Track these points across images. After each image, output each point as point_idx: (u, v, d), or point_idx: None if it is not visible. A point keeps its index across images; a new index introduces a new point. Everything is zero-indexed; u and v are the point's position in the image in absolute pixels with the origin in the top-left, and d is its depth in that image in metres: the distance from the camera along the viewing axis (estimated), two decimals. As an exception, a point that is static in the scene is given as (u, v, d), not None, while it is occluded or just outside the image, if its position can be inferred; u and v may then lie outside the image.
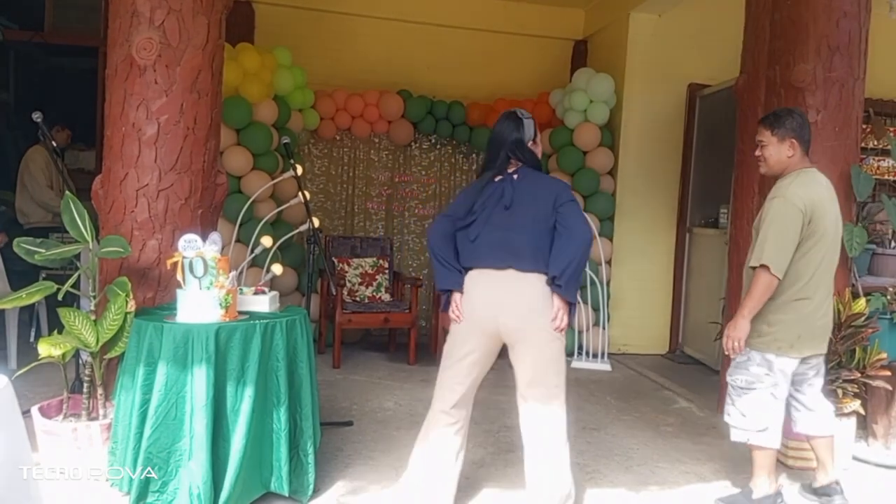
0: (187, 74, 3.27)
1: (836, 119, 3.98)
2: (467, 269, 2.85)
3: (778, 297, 3.03)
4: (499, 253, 2.77)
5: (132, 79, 3.22)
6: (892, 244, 4.54)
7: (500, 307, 2.76)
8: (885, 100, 6.33)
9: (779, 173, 3.19)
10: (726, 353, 3.10)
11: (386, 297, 5.73)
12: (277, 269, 4.57)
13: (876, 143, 6.26)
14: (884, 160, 6.29)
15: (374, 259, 5.82)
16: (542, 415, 2.85)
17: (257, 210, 5.37)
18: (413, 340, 5.46)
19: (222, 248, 3.05)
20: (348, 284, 5.64)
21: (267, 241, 4.65)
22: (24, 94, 7.26)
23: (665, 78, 6.21)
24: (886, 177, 6.25)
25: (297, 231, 5.13)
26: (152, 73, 3.21)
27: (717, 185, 5.95)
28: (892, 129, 6.49)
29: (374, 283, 5.74)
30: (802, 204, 2.98)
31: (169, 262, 2.90)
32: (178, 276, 2.83)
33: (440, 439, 2.89)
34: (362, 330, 6.01)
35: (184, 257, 2.82)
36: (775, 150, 3.16)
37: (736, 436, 3.15)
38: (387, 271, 5.84)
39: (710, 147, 6.14)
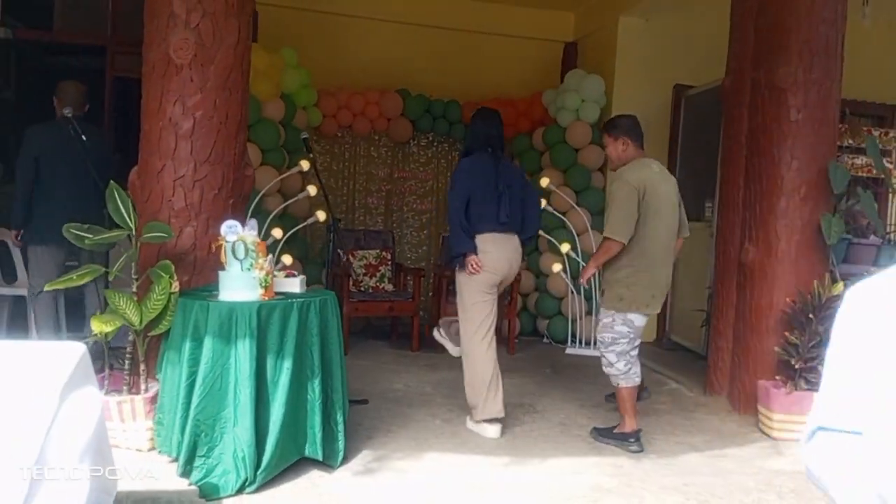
0: (220, 73, 3.51)
1: (815, 118, 4.30)
2: (476, 234, 3.76)
3: (631, 266, 3.74)
4: (507, 221, 3.80)
5: (169, 76, 3.45)
6: (868, 235, 4.87)
7: (509, 261, 3.84)
8: (860, 101, 6.70)
9: (619, 166, 3.92)
10: (582, 284, 4.11)
11: (389, 287, 5.99)
12: (287, 259, 4.82)
13: (851, 141, 6.63)
14: (858, 157, 6.66)
15: (378, 251, 6.07)
16: None
17: (265, 204, 5.59)
18: (416, 328, 5.72)
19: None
20: (353, 275, 5.88)
21: (277, 232, 4.91)
22: (25, 92, 7.38)
23: (652, 79, 6.52)
24: (860, 173, 6.62)
25: (307, 223, 5.39)
26: (188, 71, 3.44)
27: (701, 180, 6.26)
28: (866, 128, 6.87)
29: (378, 274, 5.99)
30: (635, 182, 3.70)
31: (213, 245, 3.13)
32: (222, 259, 3.06)
33: (491, 352, 3.82)
34: (364, 319, 6.25)
35: (227, 241, 3.05)
36: (613, 148, 3.93)
37: (613, 381, 3.85)
38: (389, 263, 6.10)
39: (695, 144, 6.46)
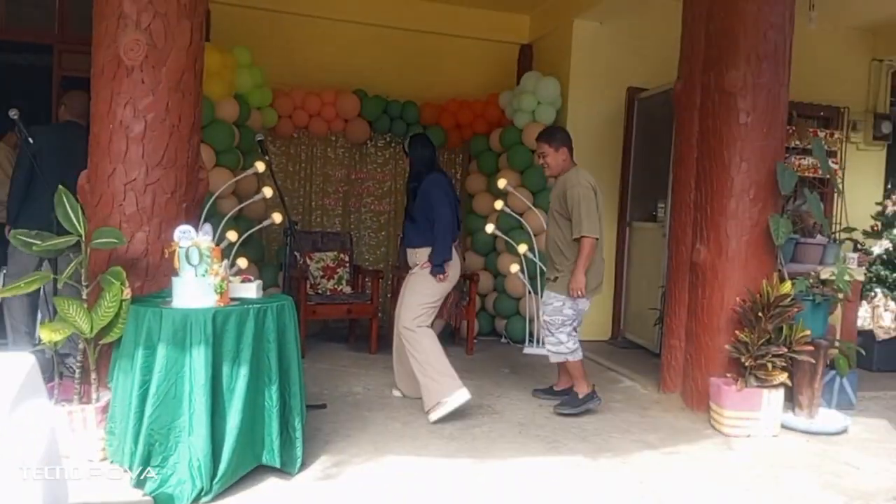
0: (172, 75, 3.44)
1: (763, 121, 4.41)
2: None
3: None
4: (459, 232, 4.43)
5: (119, 78, 3.37)
6: (815, 234, 5.01)
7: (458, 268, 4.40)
8: (807, 103, 6.91)
9: (558, 174, 4.42)
10: (574, 296, 4.24)
11: (347, 289, 5.96)
12: (243, 262, 4.76)
13: (798, 142, 6.82)
14: (804, 158, 6.85)
15: (336, 253, 6.04)
16: None
17: (219, 206, 5.50)
18: (374, 330, 5.70)
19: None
20: (311, 278, 5.83)
21: (232, 235, 4.84)
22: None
23: (606, 81, 6.61)
24: (807, 174, 6.82)
25: (262, 225, 5.31)
26: (139, 73, 3.36)
27: (654, 182, 6.38)
28: (813, 129, 7.08)
29: (336, 276, 5.95)
30: (590, 186, 4.28)
31: (167, 250, 3.08)
32: (175, 264, 3.01)
33: (435, 336, 4.26)
34: (321, 322, 6.22)
35: (180, 246, 3.00)
36: (553, 157, 4.39)
37: (556, 358, 4.39)
38: (347, 265, 6.06)
39: (648, 147, 6.58)
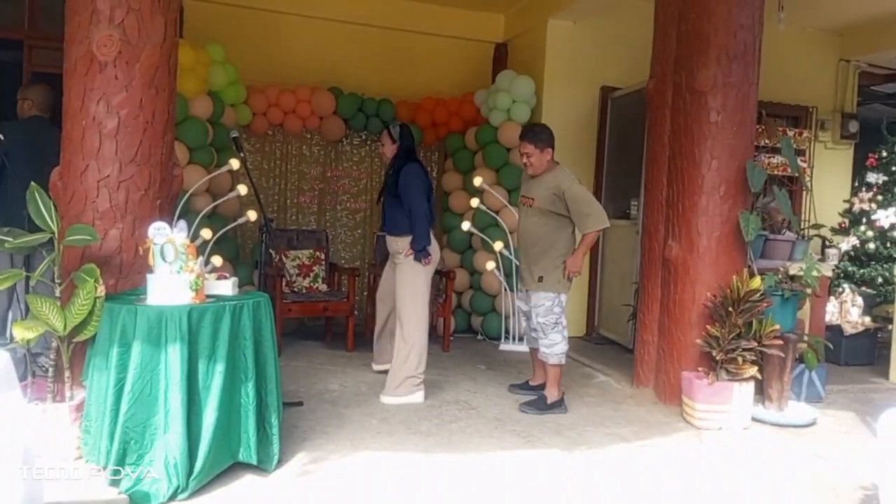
0: (146, 71, 3.41)
1: (733, 119, 4.49)
2: None
3: (568, 253, 4.36)
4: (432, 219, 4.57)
5: (92, 74, 3.33)
6: (783, 231, 5.11)
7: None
8: (776, 102, 7.03)
9: (541, 172, 4.41)
10: (572, 278, 4.38)
11: (323, 287, 5.95)
12: (217, 260, 4.75)
13: (768, 141, 6.94)
14: (774, 157, 6.98)
15: (311, 251, 6.02)
16: None
17: (193, 203, 5.47)
18: (351, 328, 5.70)
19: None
20: (286, 275, 5.81)
21: (207, 233, 4.83)
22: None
23: (580, 80, 6.67)
24: (776, 172, 6.94)
25: (237, 223, 5.31)
26: (112, 68, 3.33)
27: (627, 179, 6.45)
28: (781, 128, 7.21)
29: (312, 274, 5.94)
30: (579, 181, 4.39)
31: (141, 247, 3.06)
32: (150, 261, 3.00)
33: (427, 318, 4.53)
34: (297, 320, 6.20)
35: (155, 243, 2.99)
36: (538, 157, 4.39)
37: (553, 360, 4.36)
38: (323, 262, 6.05)
39: (621, 145, 6.65)
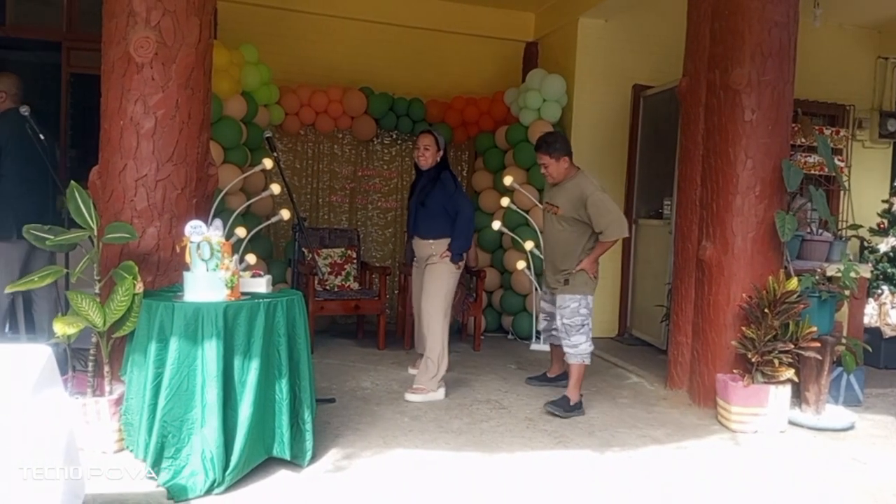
0: (182, 71, 3.48)
1: (769, 118, 4.42)
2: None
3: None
4: None
5: (129, 75, 3.41)
6: (819, 231, 5.02)
7: None
8: (812, 100, 6.91)
9: (562, 180, 4.43)
10: (595, 276, 4.42)
11: (355, 285, 5.99)
12: (252, 258, 4.80)
13: (804, 140, 6.82)
14: (810, 156, 6.86)
15: (343, 249, 6.06)
16: None
17: (228, 202, 5.54)
18: (382, 326, 5.73)
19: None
20: (319, 274, 5.86)
21: (241, 231, 4.87)
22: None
23: (612, 79, 6.62)
24: (813, 171, 6.82)
25: (271, 221, 5.35)
26: (149, 69, 3.40)
27: (659, 179, 6.40)
28: (818, 127, 7.08)
29: (344, 273, 5.98)
30: (601, 187, 4.37)
31: (178, 245, 3.11)
32: (187, 259, 3.04)
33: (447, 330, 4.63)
34: (329, 318, 6.26)
35: (191, 241, 3.03)
36: (555, 167, 4.40)
37: (576, 360, 4.33)
38: (355, 261, 6.09)
39: (653, 144, 6.59)
